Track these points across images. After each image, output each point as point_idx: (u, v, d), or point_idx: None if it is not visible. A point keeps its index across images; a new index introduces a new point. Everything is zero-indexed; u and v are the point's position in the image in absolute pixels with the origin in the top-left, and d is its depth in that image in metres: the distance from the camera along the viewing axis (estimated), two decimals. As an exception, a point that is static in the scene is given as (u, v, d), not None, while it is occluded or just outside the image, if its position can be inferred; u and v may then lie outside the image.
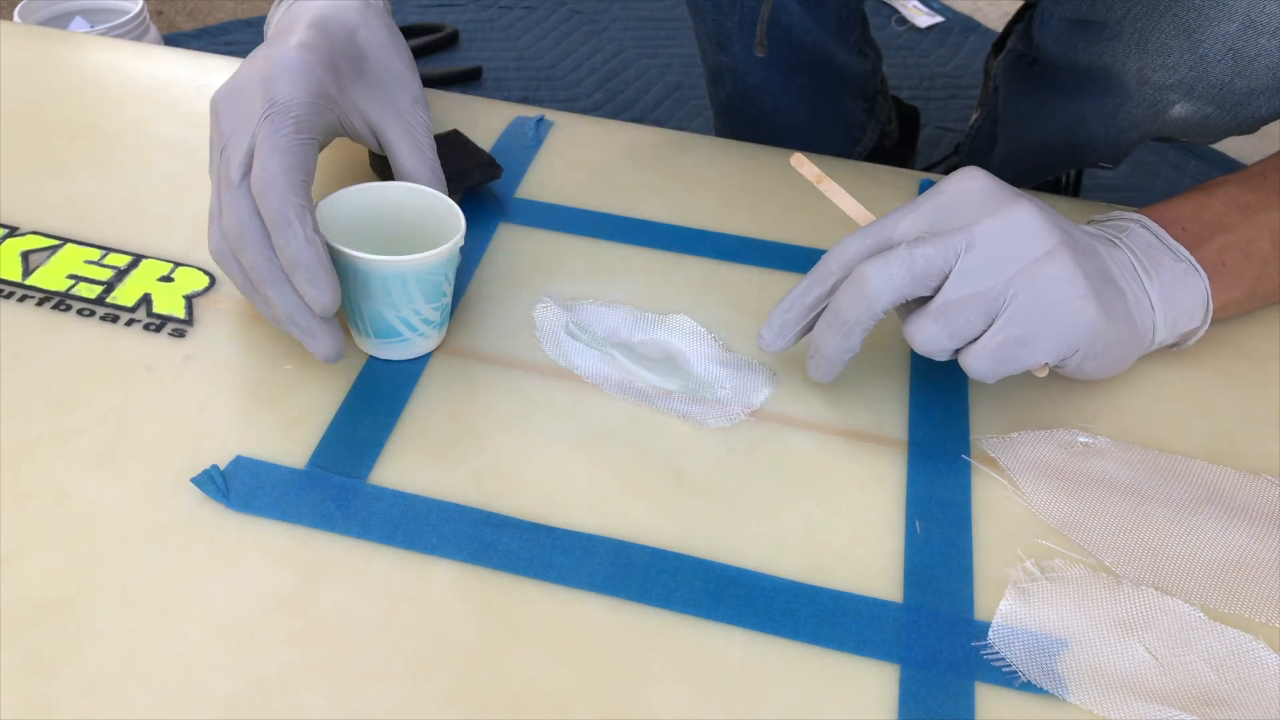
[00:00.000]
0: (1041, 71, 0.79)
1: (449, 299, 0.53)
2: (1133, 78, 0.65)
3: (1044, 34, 0.76)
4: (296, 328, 0.49)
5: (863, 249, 0.49)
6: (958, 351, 0.48)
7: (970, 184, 0.49)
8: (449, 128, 0.69)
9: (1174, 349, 0.56)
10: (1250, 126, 0.63)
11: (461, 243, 0.51)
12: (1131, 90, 0.66)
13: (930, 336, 0.47)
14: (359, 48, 0.56)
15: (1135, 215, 0.54)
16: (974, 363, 0.47)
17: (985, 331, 0.47)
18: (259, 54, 0.54)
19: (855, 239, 0.50)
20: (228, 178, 0.49)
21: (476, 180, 0.66)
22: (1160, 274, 0.52)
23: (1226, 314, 0.56)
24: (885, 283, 0.47)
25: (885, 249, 0.48)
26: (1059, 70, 0.76)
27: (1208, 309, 0.53)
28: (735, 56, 0.81)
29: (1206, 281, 0.52)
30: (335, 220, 0.52)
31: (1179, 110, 0.64)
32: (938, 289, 0.47)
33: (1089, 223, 0.56)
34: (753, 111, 0.84)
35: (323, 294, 0.47)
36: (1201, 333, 0.54)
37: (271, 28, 0.60)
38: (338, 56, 0.54)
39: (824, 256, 0.50)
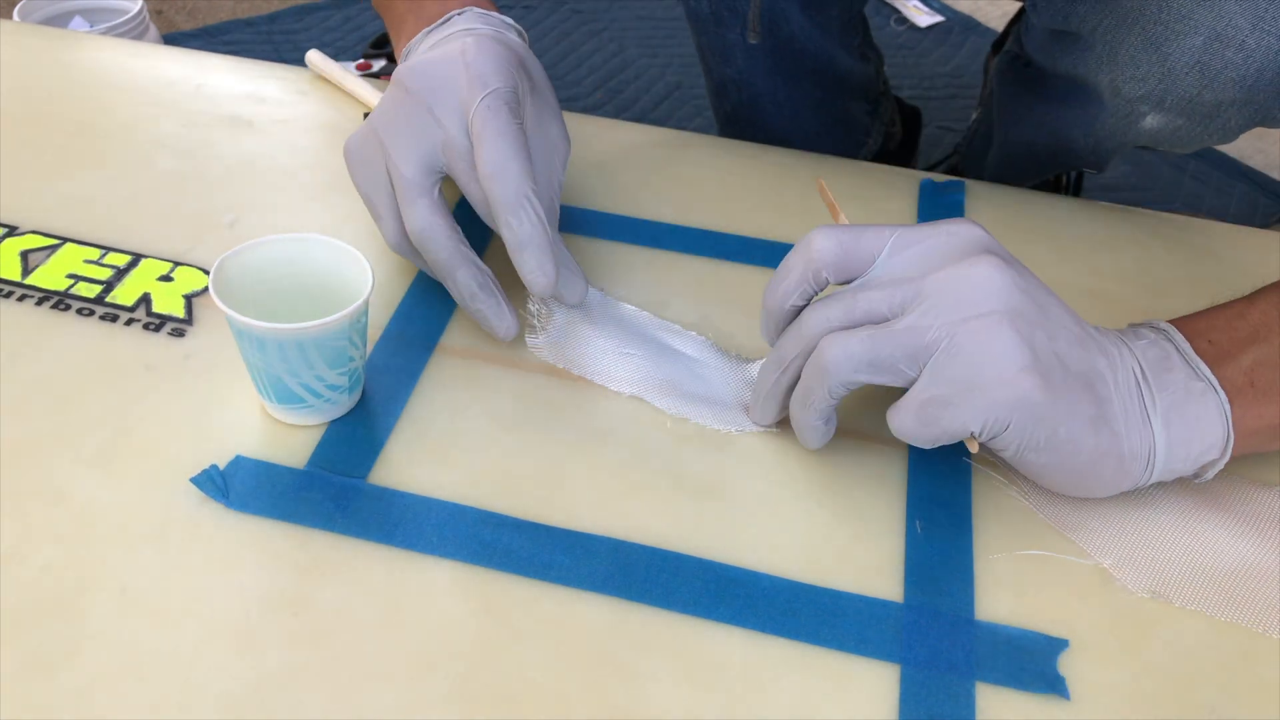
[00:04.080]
0: (1033, 75, 0.80)
1: (359, 363, 0.49)
2: (1106, 89, 0.65)
3: (1029, 41, 0.77)
4: (480, 304, 0.51)
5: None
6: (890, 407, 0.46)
7: (961, 236, 0.46)
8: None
9: (1196, 478, 0.48)
10: (1224, 137, 0.63)
11: (365, 307, 0.47)
12: (1106, 101, 0.66)
13: (845, 349, 0.44)
14: (528, 69, 0.56)
15: (1162, 325, 0.48)
16: (897, 418, 0.44)
17: (913, 387, 0.44)
18: (437, 54, 0.53)
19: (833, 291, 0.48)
20: (406, 176, 0.51)
21: None
22: (1168, 392, 0.45)
23: (1258, 443, 0.47)
24: (822, 323, 0.45)
25: (843, 300, 0.46)
26: (1046, 76, 0.76)
27: (1228, 435, 0.45)
28: (738, 68, 0.81)
29: (1227, 404, 0.45)
30: (242, 275, 0.48)
31: (1150, 121, 0.64)
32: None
33: (1126, 326, 0.50)
34: (759, 122, 0.84)
35: (547, 274, 0.49)
36: (1222, 464, 0.46)
37: (424, 47, 0.58)
38: (521, 66, 0.55)
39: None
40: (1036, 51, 0.75)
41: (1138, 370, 0.46)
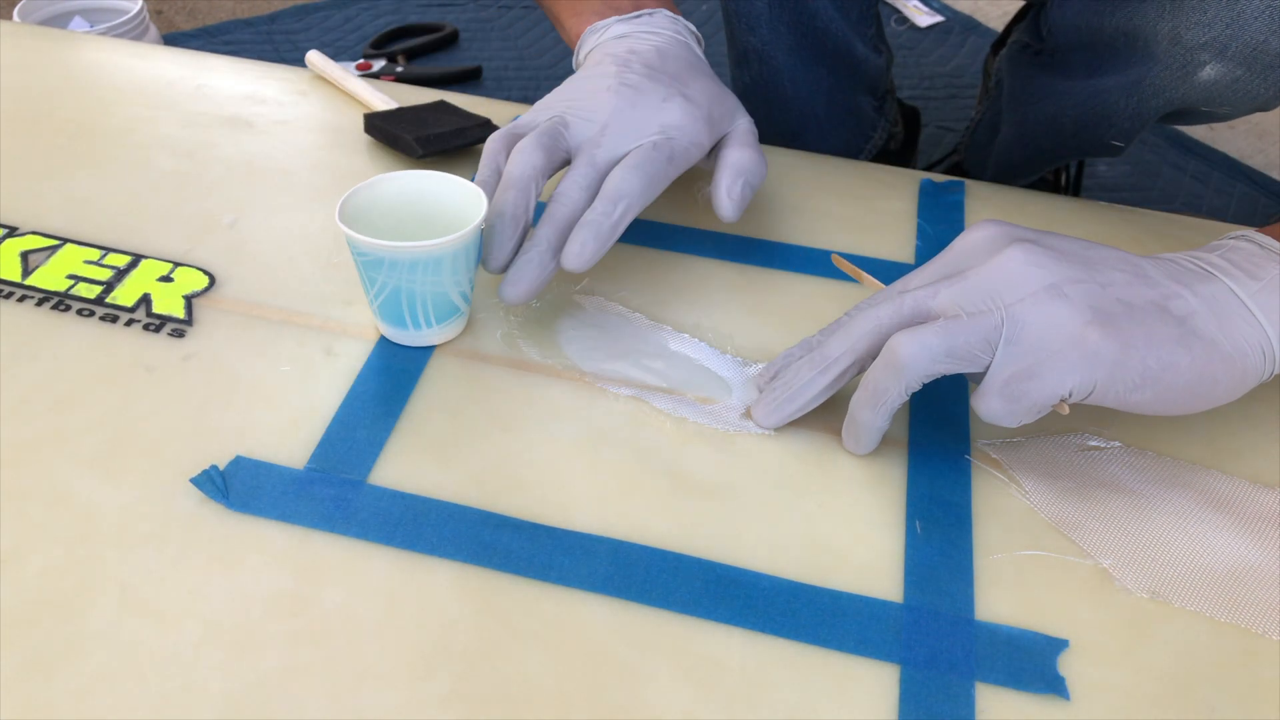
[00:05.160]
0: (1048, 61, 0.79)
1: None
2: (1164, 39, 0.64)
3: (1062, 12, 0.76)
4: (500, 226, 0.54)
5: (878, 311, 0.49)
6: (970, 397, 0.48)
7: (977, 234, 0.49)
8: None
9: None
10: (1275, 95, 0.63)
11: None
12: (1160, 54, 0.66)
13: (923, 345, 0.45)
14: (714, 117, 0.61)
15: (1240, 231, 0.51)
16: (985, 403, 0.46)
17: (990, 368, 0.46)
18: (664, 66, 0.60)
19: (870, 301, 0.51)
20: (591, 155, 0.56)
21: (476, 138, 0.68)
22: (1264, 282, 0.47)
23: None
24: (871, 321, 0.48)
25: (889, 301, 0.49)
26: (1072, 52, 0.76)
27: None
28: (762, 38, 0.82)
29: None
30: (366, 210, 0.53)
31: (1209, 72, 0.63)
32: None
33: (1193, 249, 0.51)
34: (774, 99, 0.85)
35: (585, 251, 0.53)
36: None
37: (616, 33, 0.64)
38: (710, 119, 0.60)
39: (835, 334, 0.50)
40: (1072, 20, 0.74)
41: (1227, 273, 0.48)
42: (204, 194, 0.65)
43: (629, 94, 0.58)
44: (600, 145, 0.56)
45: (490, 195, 0.55)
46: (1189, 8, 0.62)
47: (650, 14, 0.64)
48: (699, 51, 0.65)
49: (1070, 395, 0.45)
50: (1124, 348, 0.45)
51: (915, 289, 0.48)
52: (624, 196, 0.54)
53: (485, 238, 0.54)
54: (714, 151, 0.61)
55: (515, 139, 0.58)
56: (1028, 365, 0.45)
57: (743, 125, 0.62)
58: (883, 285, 0.53)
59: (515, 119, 0.60)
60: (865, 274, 0.55)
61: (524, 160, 0.55)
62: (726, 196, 0.58)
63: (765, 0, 0.80)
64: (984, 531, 0.48)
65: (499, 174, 0.56)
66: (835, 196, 0.69)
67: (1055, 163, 0.87)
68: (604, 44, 0.63)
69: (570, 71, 0.66)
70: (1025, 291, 0.45)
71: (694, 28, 0.66)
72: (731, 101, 0.62)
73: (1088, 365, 0.44)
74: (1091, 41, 0.73)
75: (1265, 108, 0.65)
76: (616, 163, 0.56)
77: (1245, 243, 0.50)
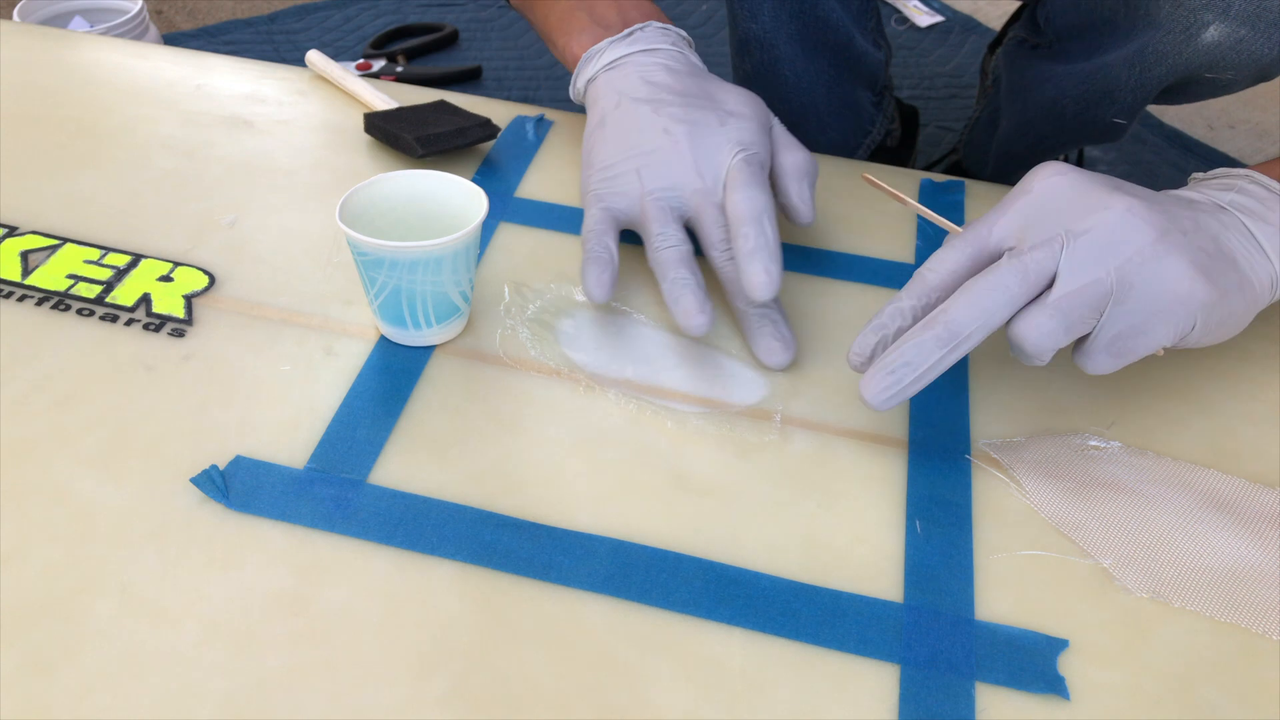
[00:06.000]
0: (1047, 52, 0.80)
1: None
2: (1166, 2, 0.64)
3: None
4: (680, 288, 0.54)
5: (962, 259, 0.49)
6: (1074, 349, 0.49)
7: (1058, 180, 0.49)
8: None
9: None
10: (1279, 55, 0.63)
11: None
12: (1162, 19, 0.66)
13: (1046, 333, 0.46)
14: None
15: (1242, 171, 0.54)
16: (1091, 361, 0.48)
17: (1096, 327, 0.47)
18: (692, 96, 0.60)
19: (950, 250, 0.49)
20: (714, 205, 0.57)
21: (476, 138, 0.68)
22: (1274, 226, 0.51)
23: None
24: (1002, 293, 0.46)
25: (984, 257, 0.49)
26: (1069, 41, 0.76)
27: None
28: (764, 26, 0.82)
29: None
30: (364, 211, 0.53)
31: (1211, 34, 0.63)
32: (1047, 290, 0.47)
33: (1190, 181, 0.55)
34: (775, 87, 0.85)
35: (771, 276, 0.53)
36: None
37: (608, 58, 0.63)
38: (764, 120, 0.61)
39: (918, 271, 0.50)
40: (1070, 3, 0.74)
41: (1243, 217, 0.51)
42: (204, 194, 0.65)
43: (690, 130, 0.58)
44: (709, 190, 0.57)
45: (611, 278, 0.55)
46: None
47: (641, 29, 0.64)
48: (695, 58, 0.65)
49: (1171, 344, 0.48)
50: (1221, 296, 0.47)
51: (1031, 252, 0.47)
52: (762, 213, 0.54)
53: (680, 309, 0.54)
54: None
55: (614, 220, 0.58)
56: (1137, 323, 0.47)
57: (777, 125, 0.62)
58: (921, 206, 0.55)
59: (597, 198, 0.59)
60: (903, 195, 0.55)
61: (672, 246, 0.56)
62: (799, 201, 0.59)
63: None
64: (984, 531, 0.48)
65: (611, 254, 0.56)
66: (835, 196, 0.69)
67: (1057, 151, 0.87)
68: (605, 74, 0.63)
69: (561, 73, 0.66)
70: (1132, 249, 0.46)
71: (684, 33, 0.66)
72: (759, 102, 0.62)
73: (1190, 315, 0.47)
74: (1091, 21, 0.73)
75: (1268, 73, 0.65)
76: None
77: (1253, 184, 0.52)
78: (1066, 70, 0.78)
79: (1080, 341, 0.48)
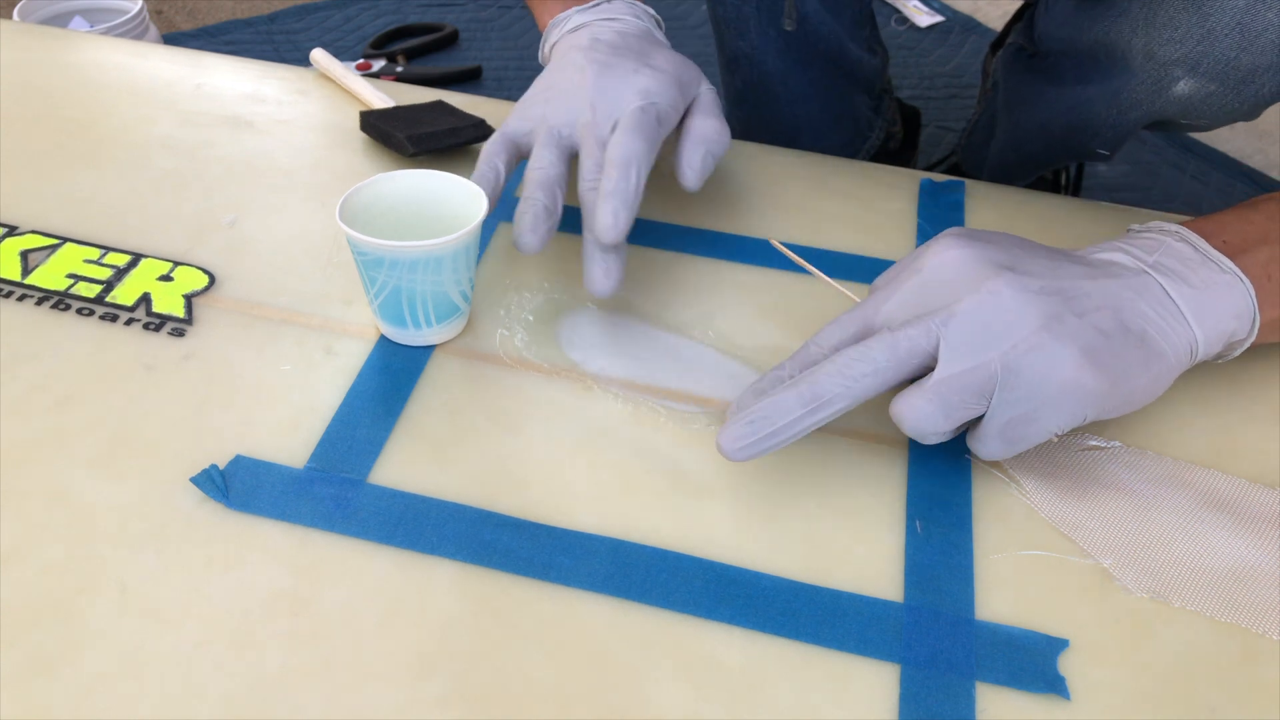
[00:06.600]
0: (1041, 64, 0.79)
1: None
2: (1139, 54, 0.65)
3: (1048, 20, 0.76)
4: (532, 193, 0.55)
5: (847, 335, 0.49)
6: (965, 434, 0.49)
7: (949, 256, 0.48)
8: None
9: (1219, 359, 0.53)
10: (1251, 109, 0.63)
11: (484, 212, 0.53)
12: (1136, 68, 0.66)
13: (923, 415, 0.45)
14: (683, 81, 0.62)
15: (1174, 228, 0.52)
16: (984, 446, 0.47)
17: (986, 413, 0.46)
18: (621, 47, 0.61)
19: (837, 325, 0.50)
20: (597, 135, 0.57)
21: (470, 138, 0.69)
22: (1199, 288, 0.49)
23: (1273, 334, 0.52)
24: (868, 364, 0.46)
25: (868, 334, 0.49)
26: (1060, 58, 0.76)
27: (1254, 317, 0.50)
28: (752, 43, 0.82)
29: (1252, 290, 0.50)
30: (363, 211, 0.53)
31: (1182, 88, 0.64)
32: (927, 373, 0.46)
33: (1126, 233, 0.54)
34: (766, 103, 0.85)
35: (619, 221, 0.53)
36: (1248, 343, 0.51)
37: (572, 25, 0.65)
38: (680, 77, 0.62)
39: (805, 343, 0.50)
40: (1056, 29, 0.75)
41: (1163, 274, 0.49)
42: (204, 193, 0.65)
43: (600, 69, 0.59)
44: (598, 124, 0.57)
45: (490, 193, 0.56)
46: (1161, 24, 0.62)
47: (609, 2, 0.66)
48: (660, 34, 0.66)
49: (1063, 431, 0.47)
50: (1111, 384, 0.46)
51: (904, 329, 0.46)
52: (632, 160, 0.55)
53: (516, 227, 0.55)
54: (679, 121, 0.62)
55: (511, 142, 0.59)
56: (1025, 411, 0.46)
57: (706, 93, 0.63)
58: (823, 274, 0.54)
59: (504, 124, 0.60)
60: (809, 264, 0.55)
61: (540, 168, 0.56)
62: (688, 166, 0.59)
63: (754, 4, 0.79)
64: (984, 531, 0.48)
65: (497, 172, 0.57)
66: (835, 197, 0.69)
67: (1047, 167, 0.88)
68: (566, 36, 0.65)
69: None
70: (1017, 337, 0.45)
71: (653, 12, 0.67)
72: (695, 69, 0.63)
73: (1081, 405, 0.46)
74: (1074, 50, 0.73)
75: (1245, 118, 0.65)
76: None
77: (1181, 243, 0.51)
78: (1056, 93, 0.78)
79: (974, 425, 0.48)
